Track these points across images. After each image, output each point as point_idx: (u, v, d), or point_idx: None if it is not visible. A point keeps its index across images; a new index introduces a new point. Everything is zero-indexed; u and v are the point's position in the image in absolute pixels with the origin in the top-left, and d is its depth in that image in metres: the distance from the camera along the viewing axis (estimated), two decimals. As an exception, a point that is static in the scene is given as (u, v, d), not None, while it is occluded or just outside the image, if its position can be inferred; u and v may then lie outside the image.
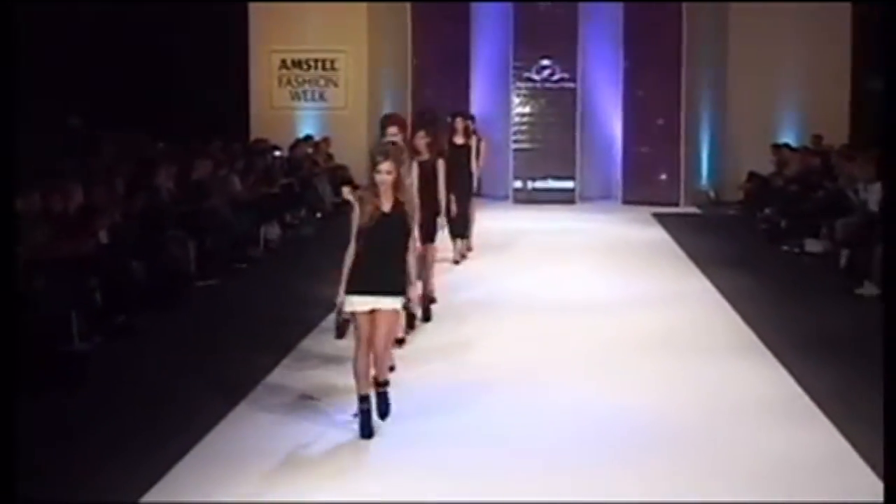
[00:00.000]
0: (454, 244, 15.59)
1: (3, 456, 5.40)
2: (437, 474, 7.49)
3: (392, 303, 8.19)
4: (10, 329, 5.94)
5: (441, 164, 11.55)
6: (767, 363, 10.37)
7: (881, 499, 7.10)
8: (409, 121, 12.58)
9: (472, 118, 17.32)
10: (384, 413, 8.36)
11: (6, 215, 6.33)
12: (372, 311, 8.12)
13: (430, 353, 10.59)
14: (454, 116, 16.19)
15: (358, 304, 8.11)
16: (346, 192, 10.21)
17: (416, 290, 9.27)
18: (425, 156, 11.35)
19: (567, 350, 10.87)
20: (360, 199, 8.10)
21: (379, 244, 8.07)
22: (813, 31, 21.84)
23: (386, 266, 8.13)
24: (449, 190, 12.00)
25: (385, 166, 7.98)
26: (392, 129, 10.14)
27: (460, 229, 15.36)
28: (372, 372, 8.26)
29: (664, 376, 9.92)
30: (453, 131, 15.75)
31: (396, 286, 8.18)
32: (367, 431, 8.13)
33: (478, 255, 15.96)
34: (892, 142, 6.62)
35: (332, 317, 9.15)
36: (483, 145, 16.64)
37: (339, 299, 8.18)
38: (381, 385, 8.36)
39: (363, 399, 8.19)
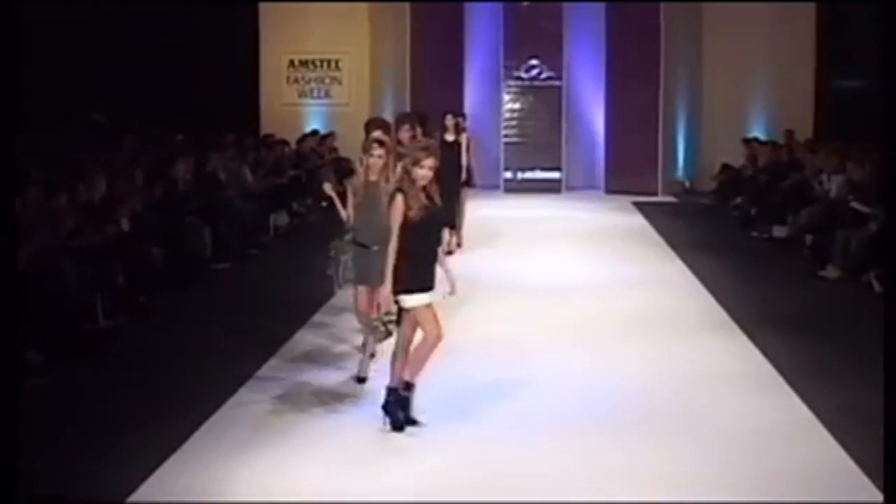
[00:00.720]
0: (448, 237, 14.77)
1: (6, 449, 5.37)
2: (432, 441, 7.55)
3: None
4: (9, 329, 5.90)
5: None
6: (738, 340, 10.40)
7: (840, 462, 7.17)
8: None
9: (462, 116, 16.76)
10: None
11: (6, 214, 6.29)
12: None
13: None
14: (445, 114, 15.69)
15: (418, 301, 7.65)
16: (328, 187, 9.50)
17: None
18: None
19: (552, 328, 10.89)
20: (405, 195, 7.63)
21: (429, 239, 7.74)
22: (779, 30, 21.75)
23: (436, 260, 7.82)
24: (438, 184, 11.83)
25: (429, 162, 7.73)
26: (377, 133, 9.33)
27: (451, 222, 14.66)
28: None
29: (644, 352, 9.95)
30: (444, 129, 15.34)
31: None
32: (398, 423, 7.71)
33: (470, 240, 15.92)
34: (892, 140, 6.61)
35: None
36: (470, 142, 15.78)
37: (385, 295, 7.63)
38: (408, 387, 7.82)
39: (393, 391, 7.78)
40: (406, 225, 7.57)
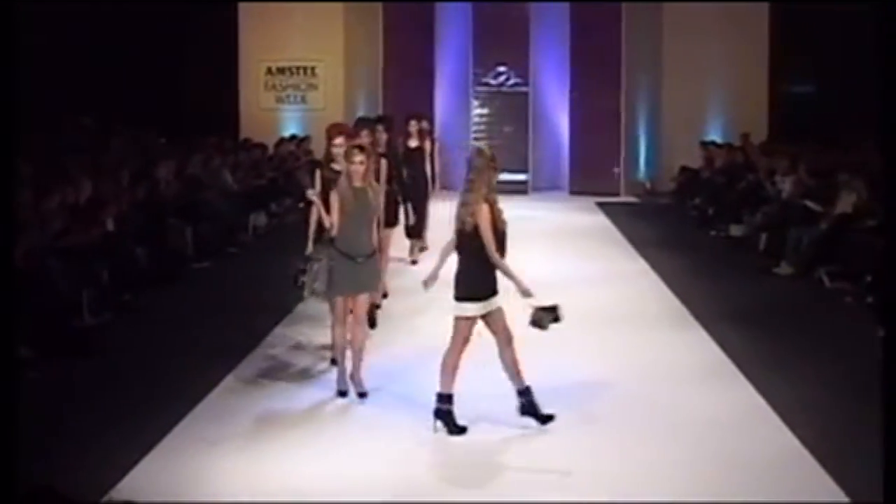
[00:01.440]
0: (411, 245, 13.98)
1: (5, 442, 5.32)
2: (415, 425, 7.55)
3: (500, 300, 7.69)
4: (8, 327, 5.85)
5: (383, 165, 10.01)
6: (697, 333, 10.46)
7: (794, 450, 7.21)
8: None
9: (426, 120, 15.32)
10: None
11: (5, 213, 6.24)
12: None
13: (398, 326, 10.62)
14: (408, 119, 14.37)
15: (472, 310, 7.54)
16: (311, 193, 8.82)
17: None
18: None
19: (519, 324, 10.83)
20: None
21: (477, 249, 7.52)
22: (735, 33, 21.71)
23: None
24: (403, 193, 11.39)
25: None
26: (338, 140, 8.96)
27: (416, 230, 13.50)
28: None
29: (607, 345, 9.99)
30: (407, 135, 14.07)
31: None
32: (455, 429, 7.48)
33: (440, 241, 15.81)
34: (891, 139, 6.63)
35: None
36: (434, 148, 14.80)
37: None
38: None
39: (446, 398, 7.56)
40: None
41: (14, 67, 6.11)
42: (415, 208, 12.13)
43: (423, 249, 14.17)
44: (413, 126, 14.23)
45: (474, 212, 7.42)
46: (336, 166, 8.80)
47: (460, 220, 7.50)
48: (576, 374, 8.99)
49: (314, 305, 9.83)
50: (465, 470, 7.03)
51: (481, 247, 7.45)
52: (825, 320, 11.26)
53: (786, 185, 15.65)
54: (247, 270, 14.13)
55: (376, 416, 7.92)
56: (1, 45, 5.89)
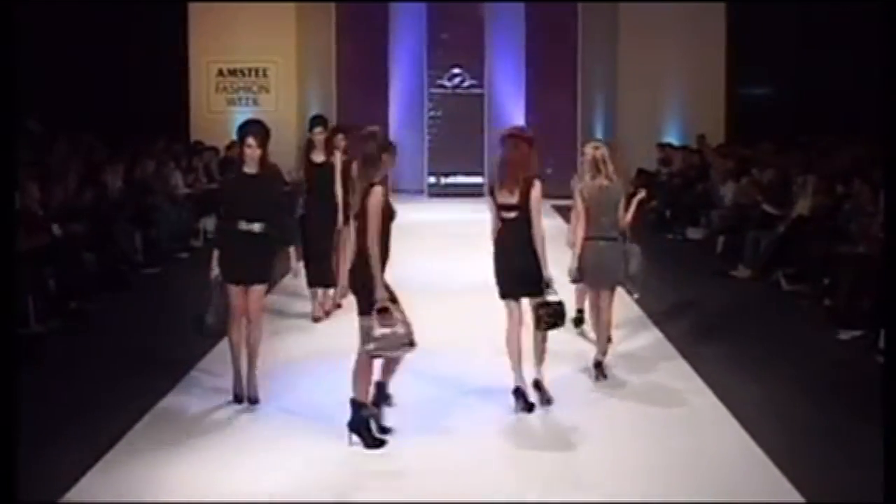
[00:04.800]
0: (313, 296, 11.13)
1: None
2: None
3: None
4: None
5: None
6: (654, 336, 10.57)
7: (749, 451, 7.31)
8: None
9: (340, 130, 11.48)
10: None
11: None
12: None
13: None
14: (312, 124, 11.05)
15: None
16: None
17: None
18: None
19: (475, 328, 10.82)
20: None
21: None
22: (692, 33, 21.90)
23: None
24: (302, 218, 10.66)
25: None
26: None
27: (321, 276, 10.91)
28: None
29: (561, 347, 10.03)
30: (310, 145, 10.87)
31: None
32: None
33: (397, 241, 15.79)
34: (891, 139, 6.72)
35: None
36: (349, 165, 9.83)
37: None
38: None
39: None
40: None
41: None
42: (320, 245, 10.68)
43: (337, 306, 11.30)
44: (317, 135, 10.96)
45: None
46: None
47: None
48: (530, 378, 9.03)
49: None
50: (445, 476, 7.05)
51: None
52: (782, 323, 11.41)
53: (728, 191, 15.86)
54: (197, 276, 14.05)
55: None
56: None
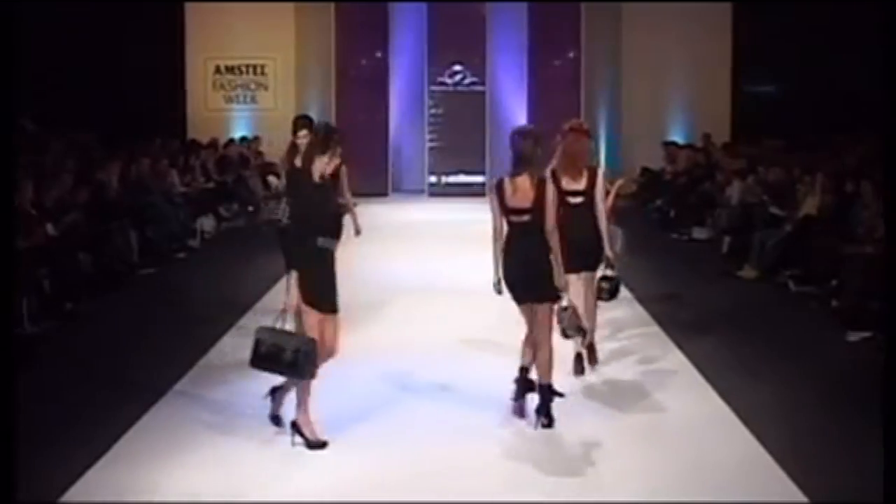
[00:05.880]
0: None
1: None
2: (348, 444, 7.58)
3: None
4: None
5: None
6: (658, 337, 10.53)
7: (756, 454, 7.29)
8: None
9: (329, 129, 8.31)
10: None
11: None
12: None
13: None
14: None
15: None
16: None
17: None
18: None
19: (469, 326, 10.79)
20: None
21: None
22: (697, 32, 21.93)
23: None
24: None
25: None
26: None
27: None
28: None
29: (564, 349, 10.01)
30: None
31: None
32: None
33: (397, 242, 15.84)
34: (892, 140, 6.70)
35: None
36: (342, 170, 8.84)
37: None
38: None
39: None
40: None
41: None
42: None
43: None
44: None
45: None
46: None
47: None
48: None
49: (262, 317, 9.82)
50: (423, 480, 7.03)
51: None
52: (790, 324, 11.38)
53: (734, 191, 15.83)
54: (194, 276, 14.08)
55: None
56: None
